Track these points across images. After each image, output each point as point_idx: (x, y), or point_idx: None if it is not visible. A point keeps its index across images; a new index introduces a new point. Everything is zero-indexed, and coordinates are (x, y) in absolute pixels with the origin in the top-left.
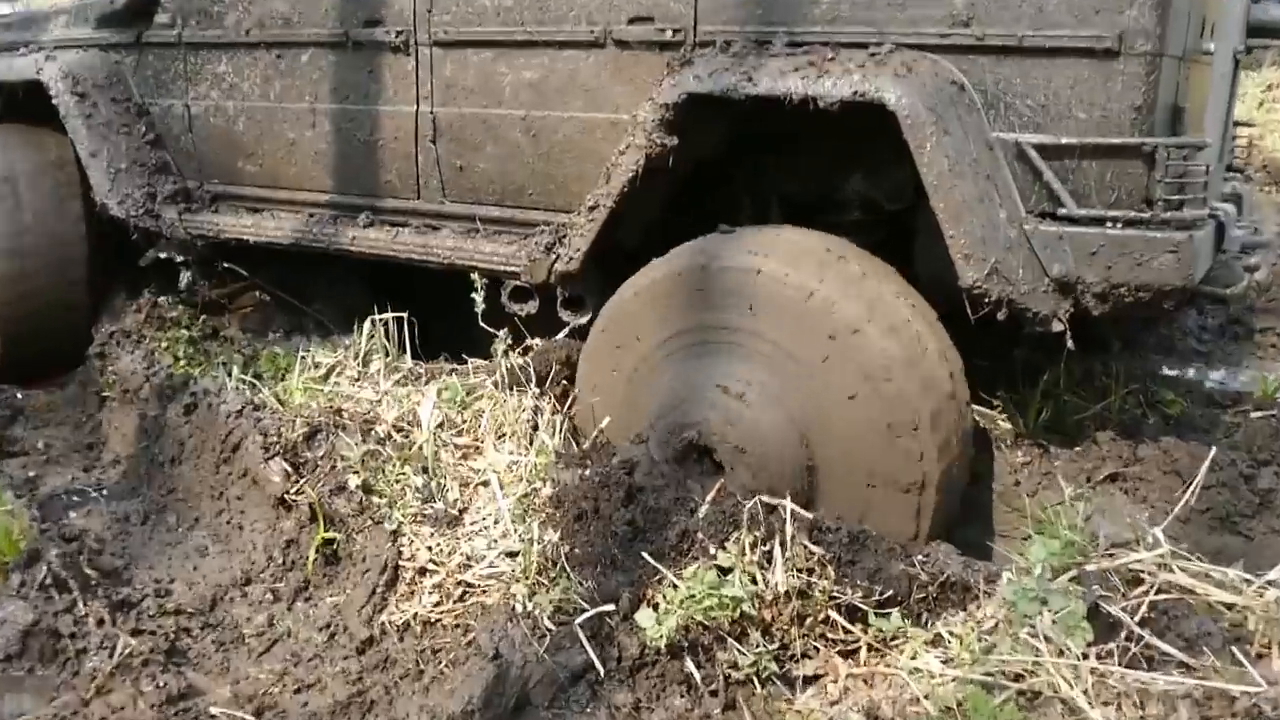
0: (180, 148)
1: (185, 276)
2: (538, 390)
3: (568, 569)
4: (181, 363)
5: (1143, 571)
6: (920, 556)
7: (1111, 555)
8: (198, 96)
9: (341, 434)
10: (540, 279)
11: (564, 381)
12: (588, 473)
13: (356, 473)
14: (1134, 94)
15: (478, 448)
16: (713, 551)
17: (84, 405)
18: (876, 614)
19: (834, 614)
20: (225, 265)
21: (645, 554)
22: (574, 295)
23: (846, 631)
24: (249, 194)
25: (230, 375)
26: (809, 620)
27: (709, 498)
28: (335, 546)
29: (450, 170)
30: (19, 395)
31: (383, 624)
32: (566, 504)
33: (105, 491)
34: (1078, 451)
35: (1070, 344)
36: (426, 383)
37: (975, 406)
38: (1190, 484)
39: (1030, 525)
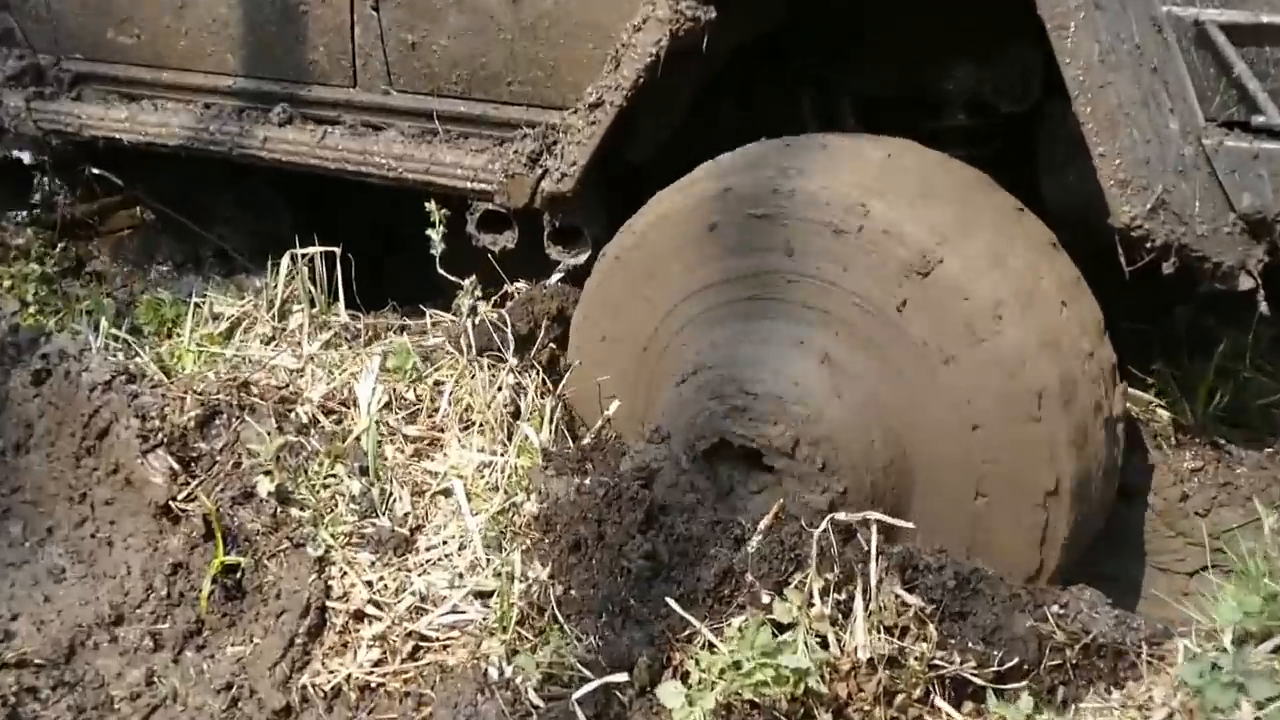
0: (29, 9)
1: (39, 186)
2: (517, 360)
3: (561, 620)
4: (30, 310)
5: None
6: (1056, 608)
7: None
8: None
9: (248, 418)
10: (521, 201)
11: (554, 346)
12: (588, 483)
13: (269, 473)
14: None
15: (437, 440)
16: (766, 600)
17: None
18: (995, 691)
19: (935, 690)
20: (94, 172)
21: (671, 600)
22: (568, 226)
23: (952, 715)
24: (123, 75)
25: (97, 329)
26: (900, 699)
27: (763, 522)
28: (240, 575)
29: (398, 48)
30: None
31: (303, 688)
32: (559, 527)
33: None
34: (1271, 453)
35: (1264, 307)
36: (367, 344)
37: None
38: None
39: (1206, 558)
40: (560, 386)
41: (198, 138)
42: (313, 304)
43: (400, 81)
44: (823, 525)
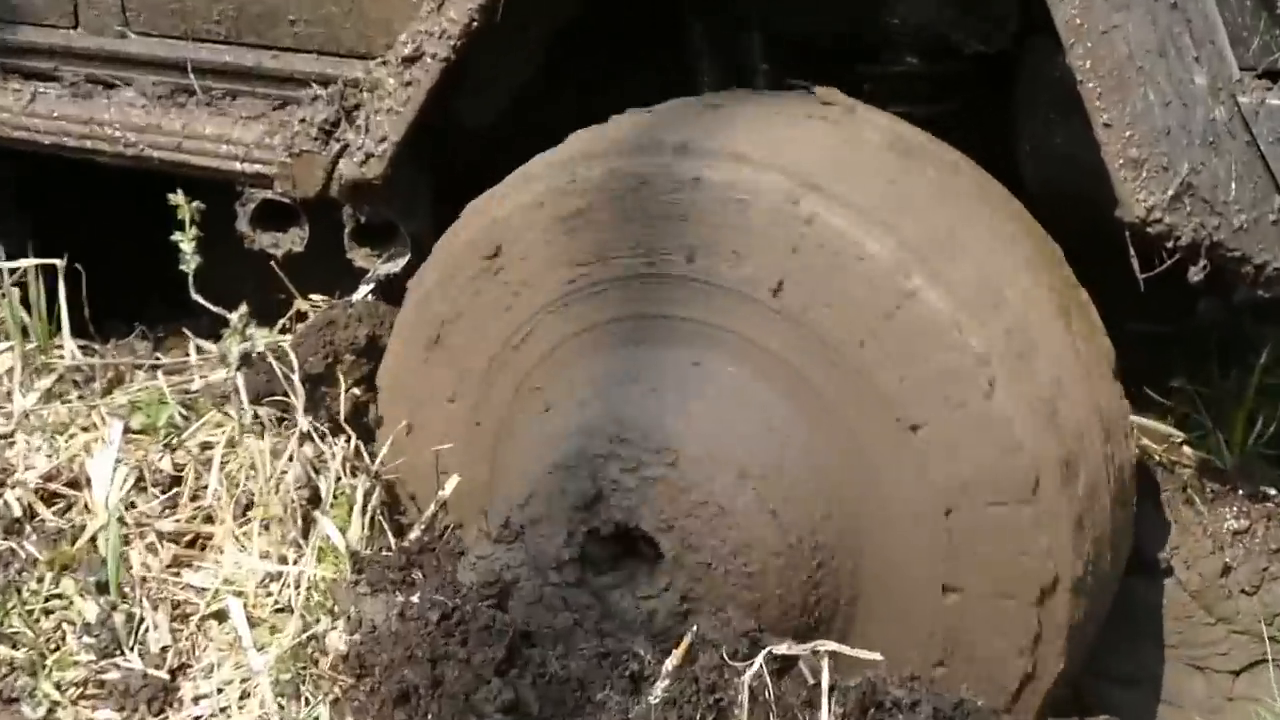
0: None
1: None
2: (310, 415)
3: None
4: None
5: None
6: None
7: None
8: None
9: None
10: (312, 189)
11: (361, 392)
12: (416, 604)
13: None
14: None
15: (205, 537)
16: None
17: None
18: None
19: None
20: None
21: None
22: (378, 221)
23: None
24: None
25: None
26: None
27: (670, 659)
28: None
29: None
30: None
31: None
32: (378, 670)
33: None
34: None
35: None
36: (107, 393)
37: (1140, 422)
38: None
39: (1260, 650)
40: (378, 460)
41: None
42: (26, 335)
43: (140, 20)
44: (757, 662)
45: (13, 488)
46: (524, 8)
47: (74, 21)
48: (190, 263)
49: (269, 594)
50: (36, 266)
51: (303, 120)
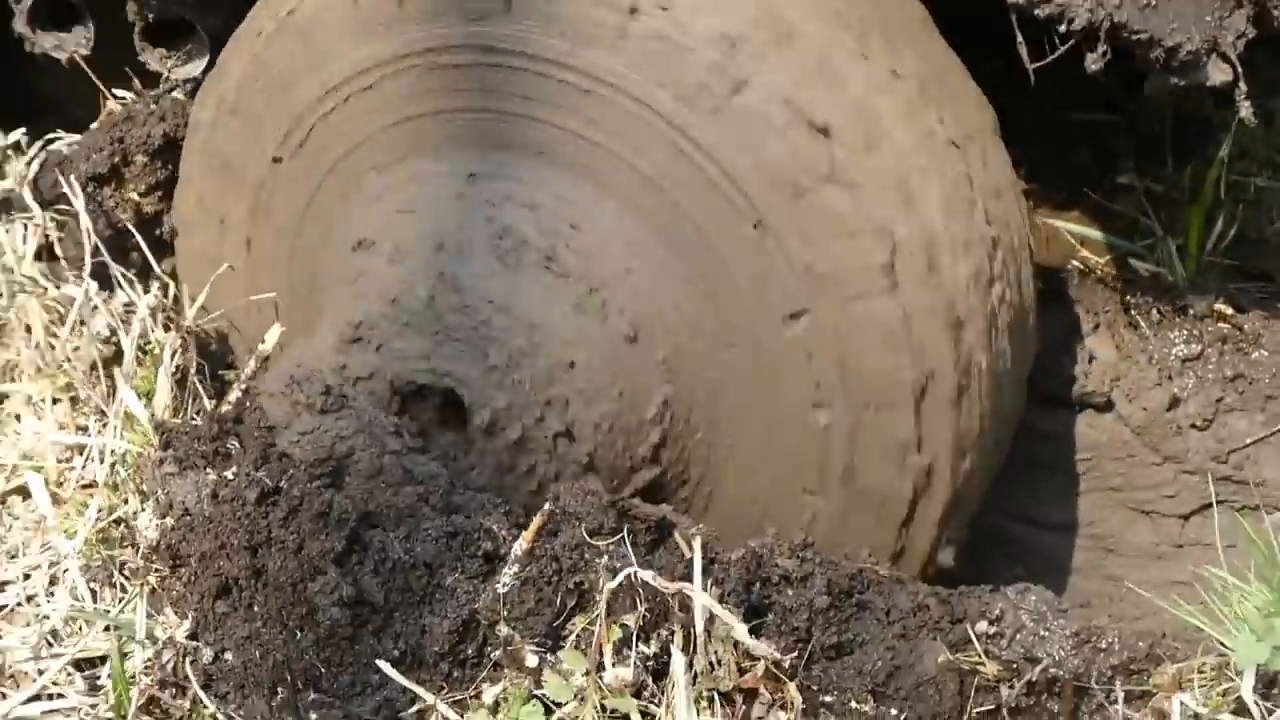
0: None
1: None
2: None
3: (211, 704)
4: None
5: None
6: (984, 624)
7: None
8: None
9: None
10: None
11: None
12: (232, 482)
13: None
14: None
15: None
16: (533, 662)
17: None
18: None
19: None
20: None
21: (385, 664)
22: (170, 17)
23: None
24: None
25: None
26: None
27: (523, 539)
28: None
29: None
30: None
31: None
32: (193, 560)
33: None
34: None
35: (1245, 110)
36: None
37: (1066, 225)
38: None
39: (1210, 492)
40: (190, 312)
41: None
42: None
43: None
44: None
45: None
46: None
47: None
48: None
49: (71, 469)
50: None
51: None
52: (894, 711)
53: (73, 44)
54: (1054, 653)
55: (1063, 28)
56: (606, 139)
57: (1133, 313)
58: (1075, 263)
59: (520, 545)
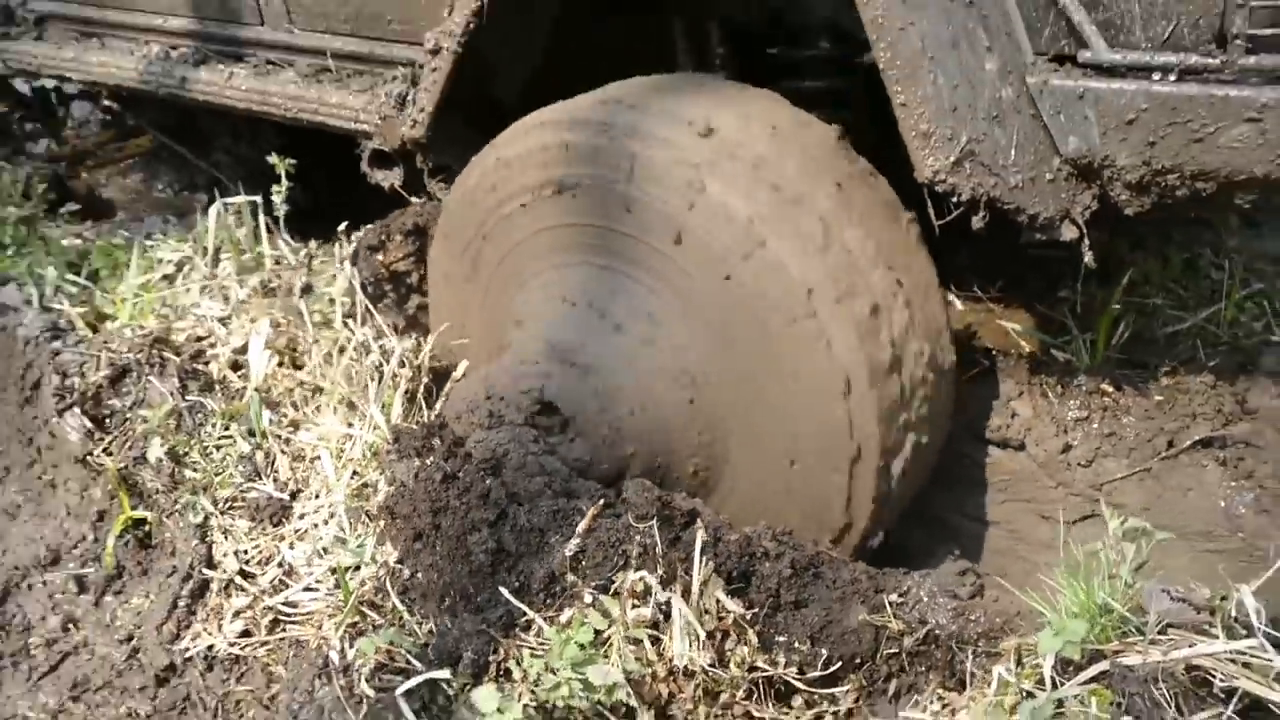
0: None
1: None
2: (368, 303)
3: (399, 606)
4: (8, 252)
5: (1213, 673)
6: (895, 596)
7: (1167, 639)
8: None
9: (153, 379)
10: (395, 143)
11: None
12: (429, 467)
13: (162, 437)
14: None
15: (320, 395)
16: (589, 600)
17: None
18: (819, 691)
19: (758, 691)
20: (105, 104)
21: (505, 591)
22: (441, 164)
23: (780, 709)
24: (76, 14)
25: (43, 276)
26: (724, 697)
27: (583, 524)
28: (148, 528)
29: None
30: None
31: (185, 651)
32: (400, 516)
33: None
34: (1160, 401)
35: (1089, 258)
36: (304, 293)
37: (1012, 325)
38: None
39: (1089, 507)
40: (421, 355)
41: (132, 77)
42: (241, 250)
43: (299, 20)
44: (648, 522)
45: (215, 359)
46: (524, 14)
47: (259, 19)
48: (281, 208)
49: (343, 451)
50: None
51: (386, 94)
52: (824, 651)
53: (392, 178)
54: (939, 619)
55: (955, 199)
56: (680, 262)
57: (1045, 386)
58: (1014, 350)
59: (582, 526)
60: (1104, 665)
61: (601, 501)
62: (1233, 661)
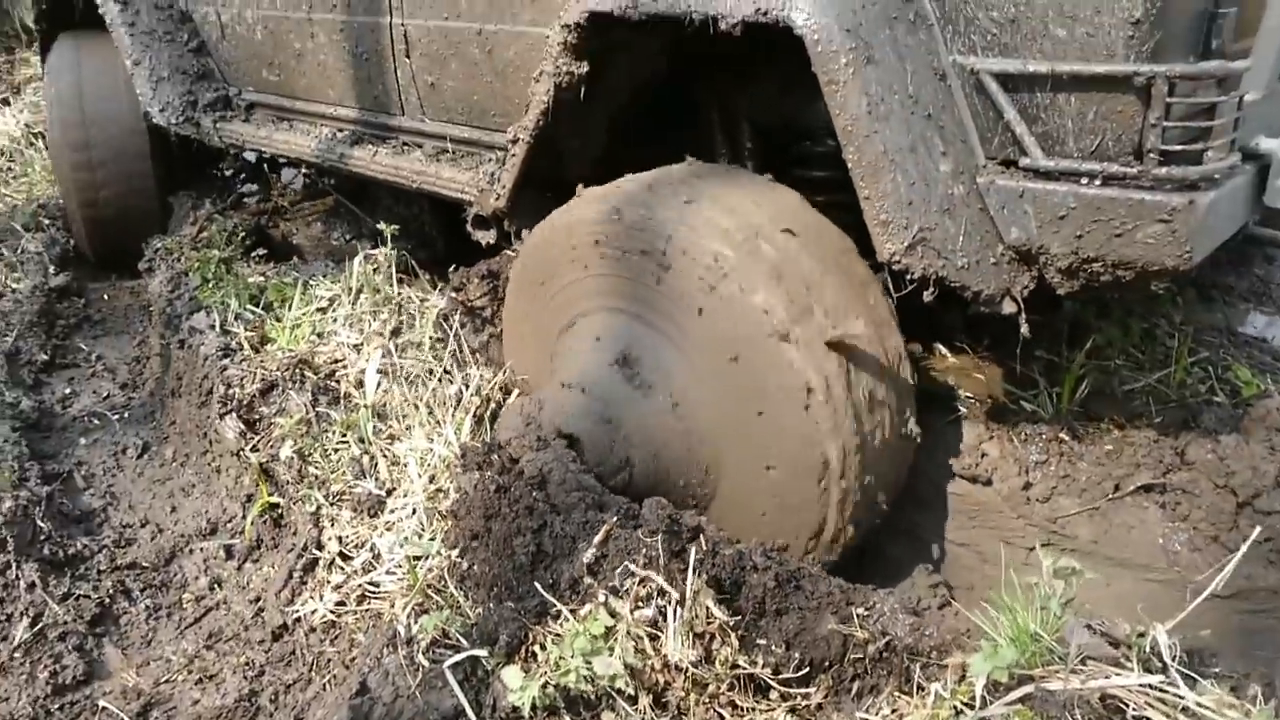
0: (220, 55)
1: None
2: (458, 340)
3: (457, 593)
4: (209, 285)
5: (1126, 703)
6: (862, 609)
7: (1086, 669)
8: (226, 3)
9: (292, 392)
10: (489, 210)
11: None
12: (486, 479)
13: (293, 440)
14: (1132, 1)
15: (416, 411)
16: (603, 599)
17: (139, 317)
18: (793, 688)
19: (739, 685)
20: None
21: (540, 586)
22: (521, 227)
23: (758, 700)
24: (273, 103)
25: (226, 306)
26: (710, 688)
27: (597, 538)
28: (281, 512)
29: (424, 87)
30: (82, 303)
31: (295, 614)
32: (462, 518)
33: (127, 414)
34: (1110, 450)
35: (1025, 330)
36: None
37: (992, 381)
38: (1240, 509)
39: (1043, 537)
40: (490, 383)
41: (307, 152)
42: (376, 290)
43: (430, 112)
44: (653, 537)
45: (343, 379)
46: (588, 110)
47: (401, 110)
48: (389, 259)
49: (426, 462)
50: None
51: (483, 171)
52: (796, 655)
53: (488, 237)
54: (898, 631)
55: (909, 276)
56: (684, 323)
57: (1011, 432)
58: (989, 398)
59: (598, 538)
60: (1029, 689)
61: (615, 519)
62: (1145, 693)
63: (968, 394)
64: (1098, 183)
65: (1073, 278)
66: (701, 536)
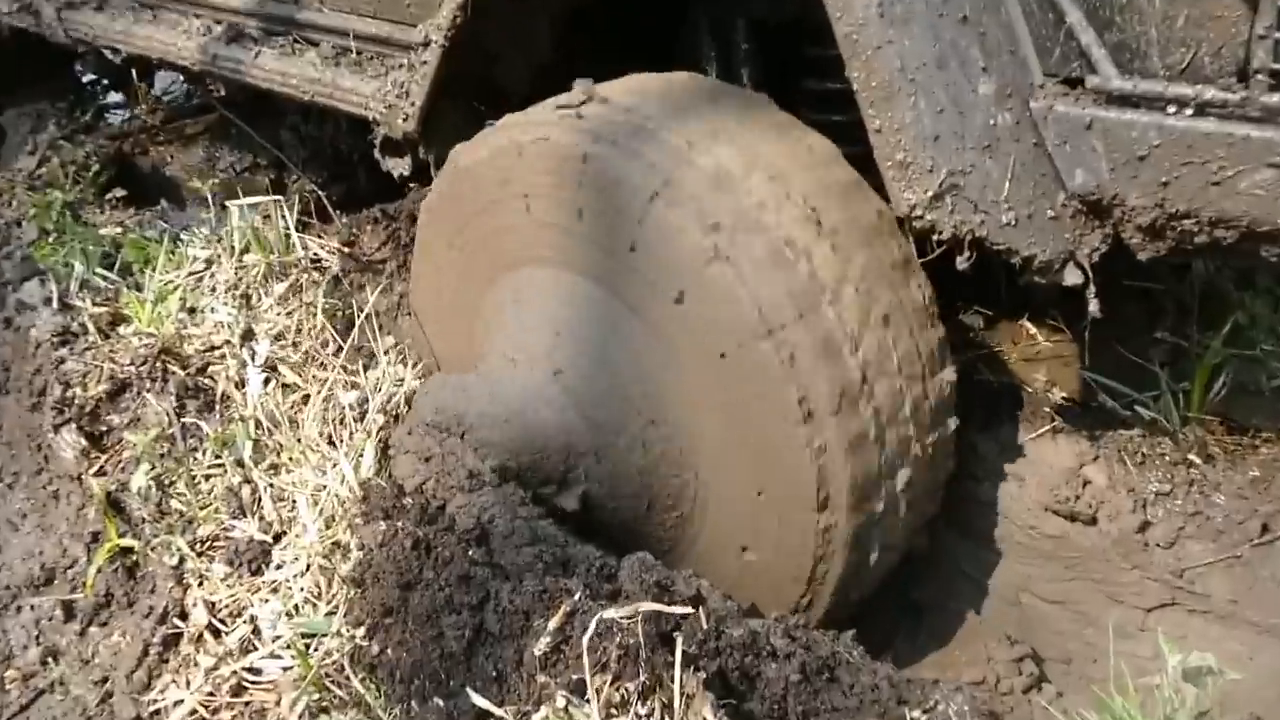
0: None
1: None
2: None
3: (361, 689)
4: (48, 240)
5: None
6: (919, 713)
7: None
8: None
9: (150, 397)
10: (399, 132)
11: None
12: (399, 534)
13: (150, 463)
14: None
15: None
16: (561, 703)
17: None
18: None
19: None
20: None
21: (480, 683)
22: (444, 155)
23: None
24: None
25: (69, 270)
26: None
27: (553, 623)
28: (134, 558)
29: None
30: None
31: (152, 704)
32: (369, 588)
33: None
34: (1255, 478)
35: (1094, 307)
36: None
37: (1092, 376)
38: None
39: (1169, 594)
40: (404, 386)
41: (173, 51)
42: (268, 250)
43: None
44: (625, 628)
45: (221, 376)
46: (530, 10)
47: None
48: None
49: (317, 502)
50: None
51: (391, 82)
52: None
53: (401, 166)
54: None
55: (935, 237)
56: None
57: (1124, 451)
58: (1092, 403)
59: (552, 624)
60: None
61: (566, 606)
62: None
63: (1064, 395)
64: (1189, 112)
65: (1157, 238)
66: (702, 609)
